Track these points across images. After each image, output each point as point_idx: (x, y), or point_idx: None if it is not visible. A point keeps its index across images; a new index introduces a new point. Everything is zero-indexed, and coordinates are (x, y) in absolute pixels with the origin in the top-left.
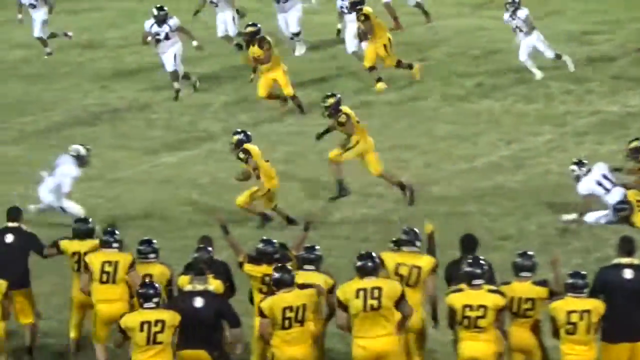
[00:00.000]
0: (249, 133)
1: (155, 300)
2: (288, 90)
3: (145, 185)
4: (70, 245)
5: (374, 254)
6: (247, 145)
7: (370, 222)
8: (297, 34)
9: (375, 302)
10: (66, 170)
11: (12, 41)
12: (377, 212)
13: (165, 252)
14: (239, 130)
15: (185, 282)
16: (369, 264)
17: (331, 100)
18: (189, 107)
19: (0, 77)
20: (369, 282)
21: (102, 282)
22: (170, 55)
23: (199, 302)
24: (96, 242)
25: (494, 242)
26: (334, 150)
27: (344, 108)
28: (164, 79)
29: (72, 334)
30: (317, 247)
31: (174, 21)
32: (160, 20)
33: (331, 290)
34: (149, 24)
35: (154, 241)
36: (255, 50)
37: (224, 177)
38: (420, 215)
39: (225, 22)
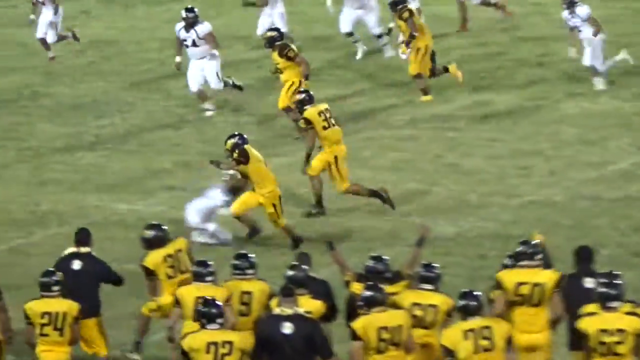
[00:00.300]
0: (244, 136)
1: (219, 320)
2: (280, 103)
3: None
4: (158, 254)
5: (476, 292)
6: (248, 148)
7: (487, 237)
8: (380, 36)
9: (487, 343)
10: (215, 194)
11: (89, 36)
12: (495, 226)
13: (261, 270)
14: (235, 133)
15: (274, 305)
16: (473, 302)
17: (298, 97)
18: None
19: (77, 76)
20: (475, 322)
21: (196, 320)
22: (195, 70)
23: (287, 327)
24: (184, 242)
25: (627, 258)
26: (340, 184)
27: (309, 110)
28: (255, 76)
29: (145, 310)
30: (435, 265)
31: (203, 27)
32: (189, 25)
33: (450, 313)
34: (179, 27)
35: (252, 255)
36: (275, 57)
37: (325, 186)
38: (543, 229)
39: (272, 18)
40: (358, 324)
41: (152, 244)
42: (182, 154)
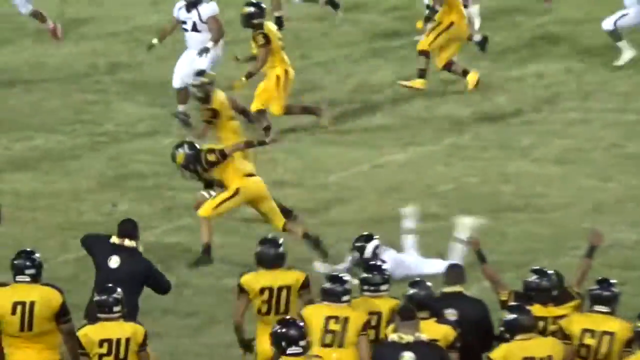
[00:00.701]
0: (194, 143)
1: (302, 343)
2: (275, 108)
3: (362, 193)
4: (255, 280)
5: None
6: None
7: None
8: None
9: None
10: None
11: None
12: None
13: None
14: (181, 142)
15: (390, 331)
16: None
17: (204, 80)
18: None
19: (165, 44)
20: None
21: (324, 344)
22: (185, 62)
23: (408, 357)
24: (298, 274)
25: None
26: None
27: (218, 95)
28: (388, 47)
29: None
30: (612, 281)
31: (207, 8)
32: (191, 3)
33: (629, 343)
34: (178, 6)
35: (385, 267)
36: (252, 42)
37: (474, 182)
38: None
39: None
40: (498, 353)
41: (258, 260)
42: (298, 141)
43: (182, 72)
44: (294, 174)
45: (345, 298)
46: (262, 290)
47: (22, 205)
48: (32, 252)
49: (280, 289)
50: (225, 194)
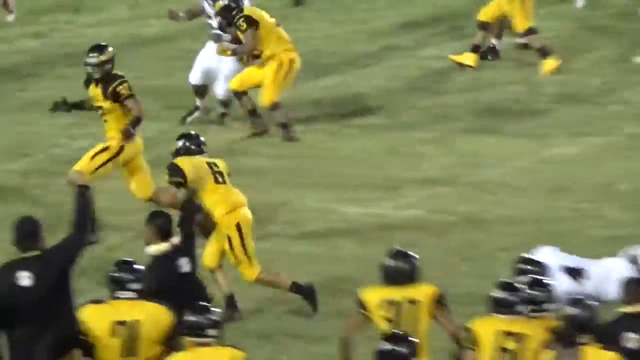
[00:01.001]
0: (200, 138)
1: None
2: (264, 98)
3: (525, 192)
4: (376, 293)
5: None
6: (180, 160)
7: None
8: None
9: None
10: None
11: None
12: None
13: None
14: (185, 133)
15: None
16: None
17: (103, 58)
18: (600, 61)
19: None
20: None
21: None
22: (206, 59)
23: None
24: (428, 288)
25: None
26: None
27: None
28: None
29: None
30: None
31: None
32: None
33: None
34: None
35: (549, 281)
36: (240, 37)
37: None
38: None
39: None
40: None
41: (386, 276)
42: (446, 132)
43: (201, 69)
44: (443, 170)
45: (519, 308)
46: (382, 303)
47: (117, 209)
48: (134, 263)
49: (405, 302)
50: (236, 242)
